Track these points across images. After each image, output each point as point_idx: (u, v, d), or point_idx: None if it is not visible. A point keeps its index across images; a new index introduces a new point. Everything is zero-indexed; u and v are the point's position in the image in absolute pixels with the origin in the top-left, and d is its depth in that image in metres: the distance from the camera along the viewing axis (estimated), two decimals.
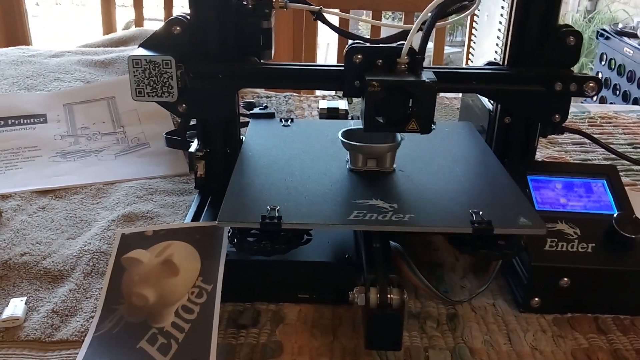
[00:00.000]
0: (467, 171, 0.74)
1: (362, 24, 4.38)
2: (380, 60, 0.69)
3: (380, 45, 0.71)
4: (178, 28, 0.74)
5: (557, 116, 0.75)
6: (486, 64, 0.81)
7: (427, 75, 0.67)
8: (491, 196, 0.68)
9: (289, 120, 0.89)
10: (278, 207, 0.63)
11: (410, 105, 0.65)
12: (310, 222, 0.63)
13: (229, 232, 0.66)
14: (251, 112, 0.94)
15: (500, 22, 0.79)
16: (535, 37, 0.75)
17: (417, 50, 0.68)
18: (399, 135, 0.73)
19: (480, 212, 0.63)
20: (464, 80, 0.76)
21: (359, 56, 0.69)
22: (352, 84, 0.70)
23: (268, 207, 0.63)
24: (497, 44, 0.81)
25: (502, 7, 0.79)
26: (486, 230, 0.61)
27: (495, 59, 0.82)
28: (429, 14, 0.68)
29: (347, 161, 0.75)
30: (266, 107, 0.99)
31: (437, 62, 2.06)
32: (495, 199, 0.67)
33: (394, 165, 0.74)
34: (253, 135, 0.84)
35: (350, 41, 0.73)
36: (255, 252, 0.64)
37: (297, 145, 0.81)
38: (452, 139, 0.84)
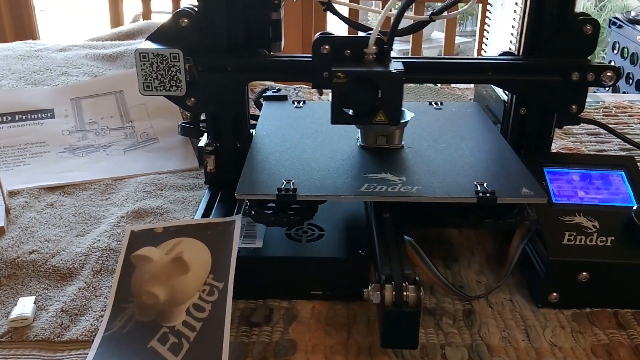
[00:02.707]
0: (473, 147, 0.76)
1: (371, 15, 4.35)
2: (349, 51, 0.69)
3: (348, 35, 0.71)
4: (186, 20, 0.72)
5: (573, 107, 0.74)
6: (501, 54, 0.79)
7: (394, 66, 0.67)
8: (495, 170, 0.70)
9: (301, 102, 0.91)
10: (293, 181, 0.65)
11: (377, 96, 0.65)
12: (323, 194, 0.64)
13: (246, 205, 0.69)
14: (264, 94, 0.95)
15: (515, 11, 0.77)
16: (551, 26, 0.73)
17: (385, 40, 0.68)
18: (408, 114, 0.74)
19: (485, 184, 0.65)
20: (479, 70, 0.74)
21: (327, 47, 0.69)
22: (321, 75, 0.70)
23: (283, 181, 0.65)
24: (511, 34, 0.79)
25: None
26: (490, 199, 0.63)
27: (510, 48, 0.80)
28: (399, 2, 0.67)
29: (358, 139, 0.76)
30: (279, 89, 0.98)
31: (448, 52, 2.04)
32: (499, 172, 0.69)
33: (403, 142, 0.76)
34: (267, 116, 0.86)
35: (360, 32, 0.72)
36: (271, 223, 0.66)
37: (310, 125, 0.82)
38: (459, 118, 0.85)
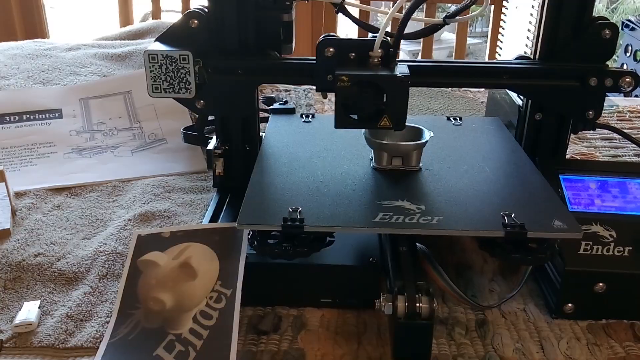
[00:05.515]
0: (497, 170, 0.71)
1: (380, 16, 4.33)
2: (353, 54, 0.66)
3: (353, 38, 0.69)
4: (196, 21, 0.71)
5: (590, 112, 0.72)
6: (516, 58, 0.78)
7: (400, 69, 0.64)
8: (523, 197, 0.65)
9: (310, 116, 0.87)
10: (300, 209, 0.61)
11: (382, 100, 0.62)
12: (333, 225, 0.60)
13: (248, 234, 0.64)
14: (271, 107, 0.92)
15: (532, 14, 0.76)
16: (569, 30, 0.72)
17: (391, 43, 0.66)
18: (426, 133, 0.70)
19: (513, 215, 0.60)
20: (495, 75, 0.73)
21: (331, 49, 0.67)
22: (325, 78, 0.68)
23: (289, 209, 0.61)
24: (527, 37, 0.78)
25: None
26: (519, 234, 0.58)
27: (525, 52, 0.78)
28: (406, 4, 0.65)
29: (371, 159, 0.72)
30: (286, 102, 0.96)
31: (460, 53, 2.02)
32: (527, 200, 0.64)
33: (420, 164, 0.71)
34: (273, 132, 0.82)
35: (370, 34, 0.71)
36: (276, 256, 0.61)
37: (319, 142, 0.78)
38: (480, 136, 0.81)
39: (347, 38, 0.68)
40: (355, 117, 0.64)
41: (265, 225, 0.60)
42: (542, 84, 0.72)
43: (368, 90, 0.62)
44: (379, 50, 0.65)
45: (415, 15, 0.66)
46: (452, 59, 2.11)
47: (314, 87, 1.34)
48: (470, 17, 0.70)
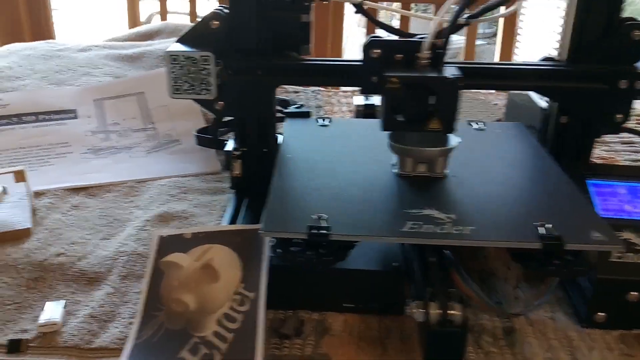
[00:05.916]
0: (525, 177, 0.69)
1: (381, 13, 4.30)
2: (400, 55, 0.65)
3: (400, 39, 0.68)
4: (216, 22, 0.70)
5: (619, 116, 0.71)
6: (542, 59, 0.76)
7: (450, 71, 0.63)
8: (555, 206, 0.62)
9: (327, 120, 0.85)
10: (324, 216, 0.58)
11: (432, 102, 0.61)
12: (361, 234, 0.57)
13: (270, 242, 0.62)
14: (286, 110, 0.91)
15: (558, 15, 0.75)
16: (597, 31, 0.71)
17: (439, 44, 0.65)
18: (452, 138, 0.68)
19: (547, 225, 0.57)
20: (522, 76, 0.72)
21: (377, 51, 0.66)
22: (370, 80, 0.67)
23: (313, 216, 0.58)
24: (553, 38, 0.76)
25: None
26: (556, 245, 0.55)
27: (549, 54, 0.77)
28: (455, 6, 0.64)
29: (393, 165, 0.70)
30: (302, 105, 0.95)
31: (469, 55, 2.01)
32: (560, 209, 0.61)
33: (446, 170, 0.69)
34: (290, 136, 0.80)
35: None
36: (300, 264, 0.58)
37: (338, 147, 0.77)
38: (505, 141, 0.79)
39: (393, 39, 0.67)
40: (402, 119, 0.62)
41: (291, 232, 0.58)
42: (570, 86, 0.71)
43: (417, 92, 0.61)
44: (427, 52, 0.64)
45: (432, 15, 0.65)
46: (480, 61, 2.10)
47: (323, 89, 1.34)
48: (496, 17, 0.69)
